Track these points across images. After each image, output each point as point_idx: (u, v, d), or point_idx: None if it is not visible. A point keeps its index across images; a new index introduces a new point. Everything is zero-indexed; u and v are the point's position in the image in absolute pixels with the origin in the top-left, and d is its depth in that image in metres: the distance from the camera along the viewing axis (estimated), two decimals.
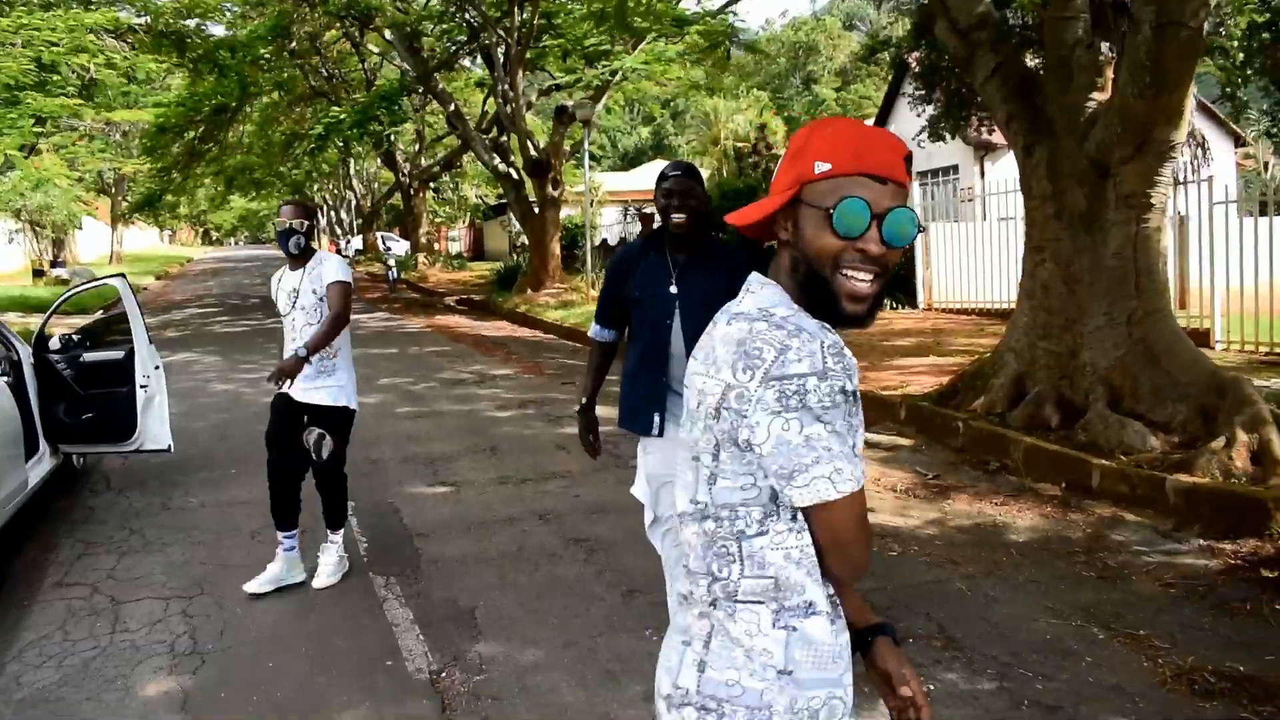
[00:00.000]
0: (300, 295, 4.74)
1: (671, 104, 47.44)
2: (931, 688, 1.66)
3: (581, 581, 4.88)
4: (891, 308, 15.01)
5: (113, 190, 40.72)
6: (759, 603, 1.47)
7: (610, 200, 32.58)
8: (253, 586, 4.74)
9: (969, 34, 7.70)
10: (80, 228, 43.34)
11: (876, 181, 1.45)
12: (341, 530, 4.98)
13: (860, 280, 1.47)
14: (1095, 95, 7.09)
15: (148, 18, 19.59)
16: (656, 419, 3.51)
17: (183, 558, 5.38)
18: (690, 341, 3.07)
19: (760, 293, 1.53)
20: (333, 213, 55.02)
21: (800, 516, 1.46)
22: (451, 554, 5.32)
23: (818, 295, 1.49)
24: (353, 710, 3.65)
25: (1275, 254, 9.53)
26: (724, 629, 1.49)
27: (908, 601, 4.49)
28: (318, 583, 4.82)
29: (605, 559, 5.18)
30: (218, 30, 21.80)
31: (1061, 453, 6.36)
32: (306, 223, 4.76)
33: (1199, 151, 9.62)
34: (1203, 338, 11.07)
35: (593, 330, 3.86)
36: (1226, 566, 4.88)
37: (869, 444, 7.33)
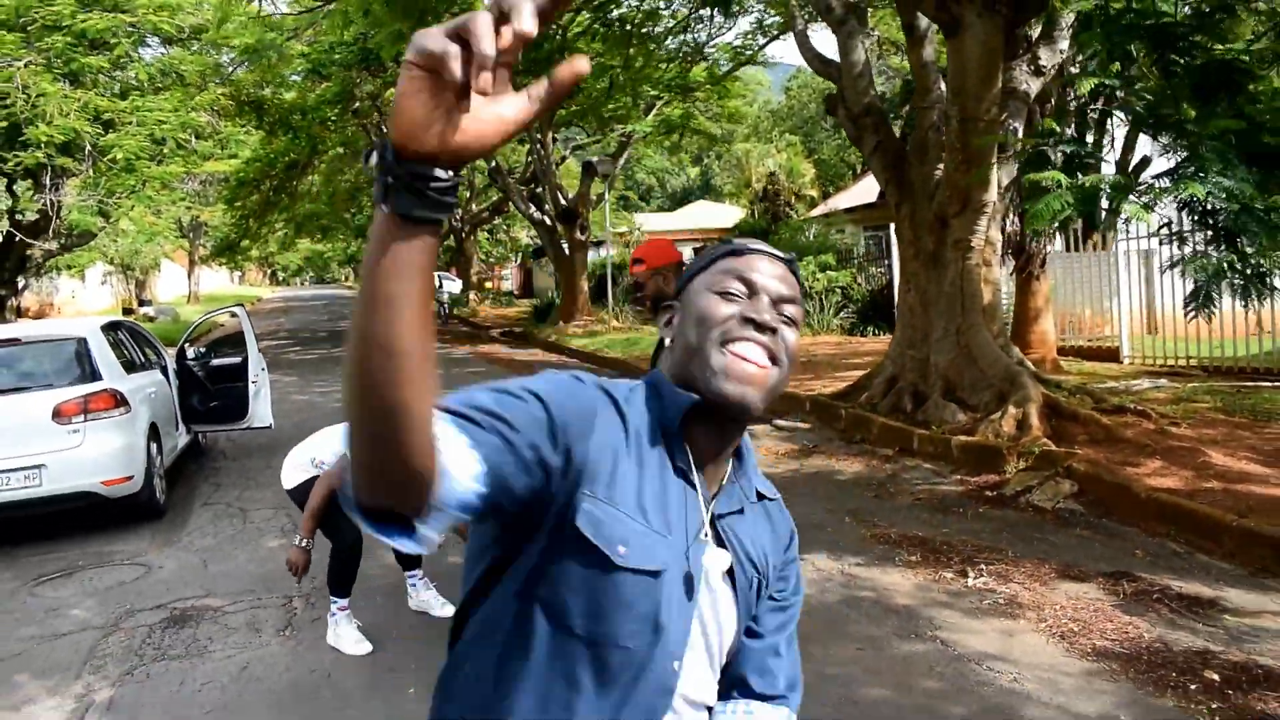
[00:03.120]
0: None
1: (717, 146, 50.09)
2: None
3: None
4: (874, 333, 17.78)
5: (190, 236, 44.52)
6: None
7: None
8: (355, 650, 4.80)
9: (859, 119, 10.25)
10: (160, 270, 47.13)
11: None
12: None
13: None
14: (940, 167, 9.58)
15: (231, 88, 22.80)
16: None
17: None
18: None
19: None
20: None
21: None
22: None
23: None
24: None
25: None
26: None
27: None
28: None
29: None
30: (289, 95, 24.88)
31: (899, 427, 8.84)
32: None
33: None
34: (1114, 354, 13.44)
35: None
36: (966, 490, 7.33)
37: (780, 427, 9.88)
